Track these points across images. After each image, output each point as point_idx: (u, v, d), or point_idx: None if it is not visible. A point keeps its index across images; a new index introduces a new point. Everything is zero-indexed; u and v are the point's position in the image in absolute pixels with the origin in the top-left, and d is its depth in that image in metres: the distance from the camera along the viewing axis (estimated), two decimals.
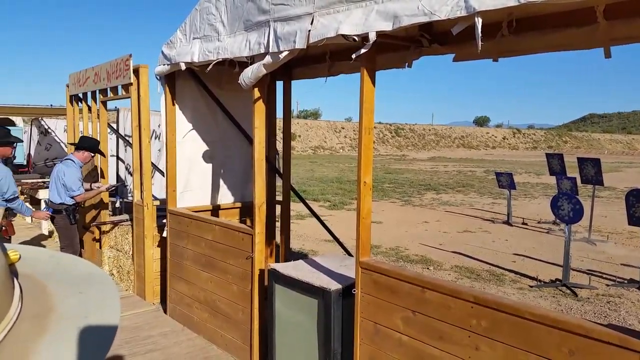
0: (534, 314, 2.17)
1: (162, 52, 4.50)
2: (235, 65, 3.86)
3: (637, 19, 2.45)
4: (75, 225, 5.62)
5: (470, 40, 2.26)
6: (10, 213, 5.19)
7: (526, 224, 11.19)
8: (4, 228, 4.94)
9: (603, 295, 6.23)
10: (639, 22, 2.47)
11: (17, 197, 5.12)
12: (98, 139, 6.05)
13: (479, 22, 2.08)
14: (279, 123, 5.29)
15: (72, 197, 5.44)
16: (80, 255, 5.82)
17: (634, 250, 8.65)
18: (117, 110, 9.82)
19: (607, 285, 6.67)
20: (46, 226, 8.90)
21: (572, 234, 7.12)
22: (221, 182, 5.35)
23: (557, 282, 6.63)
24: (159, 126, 8.07)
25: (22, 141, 12.00)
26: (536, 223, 11.32)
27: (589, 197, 10.40)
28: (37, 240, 8.40)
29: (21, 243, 6.85)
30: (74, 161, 5.53)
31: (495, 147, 68.34)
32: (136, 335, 4.56)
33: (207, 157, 5.19)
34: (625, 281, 6.85)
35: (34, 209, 5.61)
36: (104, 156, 6.32)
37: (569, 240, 6.53)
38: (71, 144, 5.89)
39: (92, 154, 5.75)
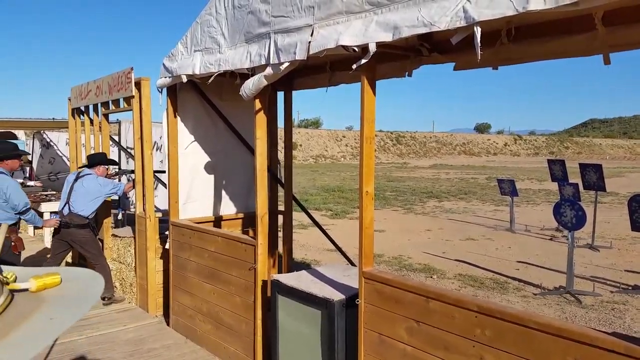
0: (538, 323, 2.16)
1: (164, 65, 4.53)
2: (237, 76, 3.89)
3: (636, 25, 2.47)
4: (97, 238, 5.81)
5: (470, 49, 2.27)
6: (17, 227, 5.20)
7: (529, 231, 11.16)
8: (13, 243, 4.94)
9: (607, 302, 6.20)
10: (637, 29, 2.48)
11: (30, 209, 5.16)
12: (103, 151, 6.18)
13: (478, 31, 2.09)
14: (280, 133, 5.31)
15: (123, 192, 5.86)
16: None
17: (638, 257, 8.61)
18: (118, 122, 9.86)
19: (612, 292, 6.64)
20: (49, 240, 8.90)
21: (575, 240, 7.10)
22: (223, 193, 5.36)
23: (561, 289, 6.60)
24: (160, 138, 8.09)
25: (29, 154, 12.07)
26: (539, 230, 11.29)
27: (591, 203, 10.38)
28: (43, 254, 8.40)
29: (27, 257, 6.86)
30: (92, 174, 5.67)
31: (496, 153, 68.33)
32: (139, 347, 4.55)
33: (209, 168, 5.20)
34: (630, 287, 6.82)
35: (44, 219, 5.67)
36: (117, 164, 6.43)
37: (572, 247, 6.51)
38: (82, 166, 6.01)
39: (107, 167, 5.91)
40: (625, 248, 9.38)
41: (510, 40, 2.86)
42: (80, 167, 6.21)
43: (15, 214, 5.02)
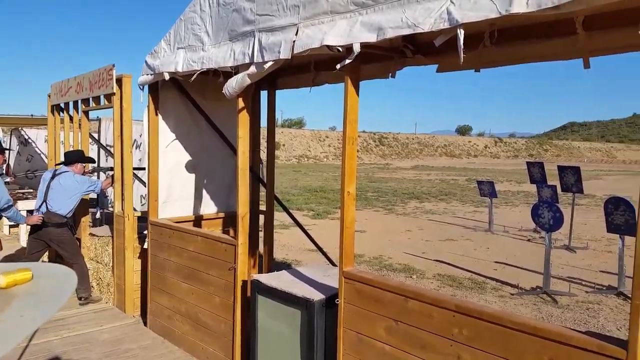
0: (515, 322, 2.19)
1: (146, 62, 4.47)
2: (220, 75, 3.86)
3: (615, 30, 2.52)
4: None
5: (453, 51, 2.29)
6: None
7: (507, 232, 11.32)
8: None
9: (583, 302, 6.32)
10: (616, 34, 2.53)
11: (12, 206, 5.08)
12: (80, 149, 6.09)
13: (461, 34, 2.11)
14: (263, 132, 5.29)
15: (101, 189, 5.91)
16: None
17: (612, 257, 8.78)
18: (98, 119, 9.72)
19: (587, 292, 6.77)
20: (25, 239, 8.73)
21: (553, 241, 7.22)
22: (204, 192, 5.32)
23: (538, 289, 6.70)
24: (140, 136, 8.00)
25: (10, 149, 11.85)
26: (517, 231, 11.45)
27: (569, 204, 10.56)
28: (21, 253, 8.24)
29: (3, 257, 6.74)
30: (69, 171, 5.57)
31: (477, 155, 69.13)
32: (116, 348, 4.49)
33: (190, 167, 5.15)
34: (604, 288, 6.95)
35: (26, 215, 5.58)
36: (94, 162, 6.35)
37: (549, 248, 6.61)
38: (59, 164, 5.93)
39: (84, 165, 5.82)
40: (600, 249, 9.56)
41: (492, 43, 2.89)
42: (57, 165, 6.11)
43: None
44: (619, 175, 35.53)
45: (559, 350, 2.04)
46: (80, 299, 5.57)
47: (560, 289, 6.75)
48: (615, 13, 2.41)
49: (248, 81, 3.38)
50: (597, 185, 24.52)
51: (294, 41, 2.91)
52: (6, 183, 9.19)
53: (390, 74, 3.67)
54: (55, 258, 6.57)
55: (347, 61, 2.59)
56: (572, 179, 9.54)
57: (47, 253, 6.24)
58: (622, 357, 1.87)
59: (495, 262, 8.49)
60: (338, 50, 2.65)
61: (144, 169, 5.37)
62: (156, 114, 4.80)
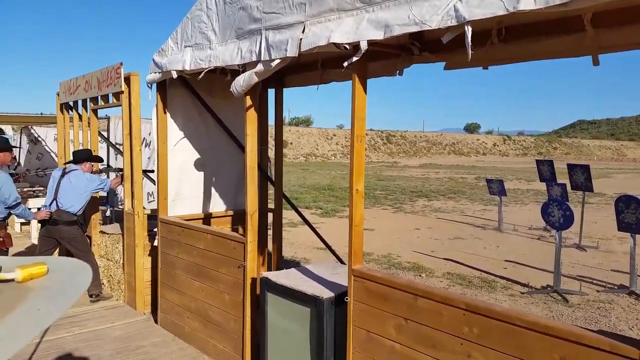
0: (525, 321, 2.18)
1: (154, 60, 4.49)
2: (227, 73, 3.87)
3: (623, 27, 2.49)
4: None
5: (460, 49, 2.28)
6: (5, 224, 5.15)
7: (517, 231, 11.25)
8: (1, 239, 4.89)
9: (594, 301, 6.27)
10: (624, 31, 2.50)
11: (20, 203, 5.14)
12: (89, 148, 6.15)
13: (469, 31, 2.10)
14: (271, 130, 5.30)
15: (110, 187, 5.92)
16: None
17: (624, 256, 8.70)
18: (107, 118, 9.79)
19: (598, 291, 6.71)
20: (36, 236, 8.82)
21: (563, 240, 7.17)
22: (213, 190, 5.34)
23: (548, 288, 6.66)
24: (149, 134, 8.04)
25: (18, 147, 12.00)
26: (527, 229, 11.37)
27: (579, 203, 10.48)
28: (32, 251, 8.32)
29: (14, 254, 6.83)
30: (78, 169, 5.63)
31: (485, 153, 68.78)
32: (127, 345, 4.52)
33: (198, 165, 5.17)
34: (615, 287, 6.89)
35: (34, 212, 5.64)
36: (102, 161, 6.41)
37: (559, 247, 6.57)
38: (68, 162, 5.99)
39: (92, 164, 5.87)
40: (611, 248, 9.48)
41: (500, 40, 2.88)
42: (66, 163, 6.16)
43: (5, 208, 4.97)
44: (629, 173, 35.21)
45: (570, 349, 2.03)
46: (91, 296, 5.62)
47: (570, 288, 6.70)
48: (624, 10, 2.38)
49: (255, 79, 3.38)
50: (607, 183, 24.31)
51: (301, 39, 2.91)
52: (16, 181, 9.28)
53: (397, 72, 3.66)
54: (66, 255, 6.64)
55: (354, 59, 2.59)
56: (581, 177, 9.46)
57: (57, 251, 6.31)
58: (636, 356, 1.85)
59: (505, 260, 8.45)
60: (345, 47, 2.65)
61: (152, 171, 5.39)
62: (164, 112, 4.83)
